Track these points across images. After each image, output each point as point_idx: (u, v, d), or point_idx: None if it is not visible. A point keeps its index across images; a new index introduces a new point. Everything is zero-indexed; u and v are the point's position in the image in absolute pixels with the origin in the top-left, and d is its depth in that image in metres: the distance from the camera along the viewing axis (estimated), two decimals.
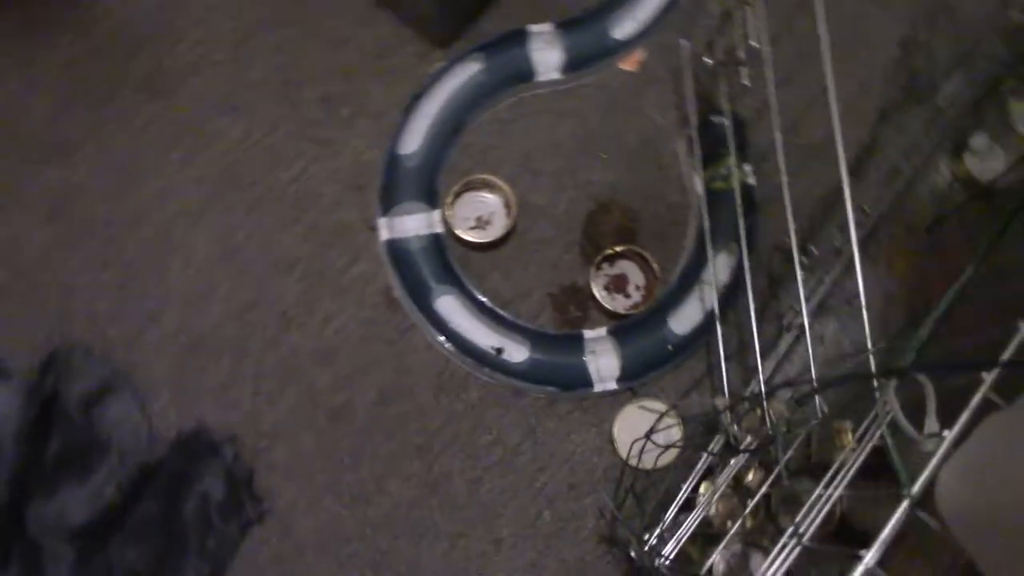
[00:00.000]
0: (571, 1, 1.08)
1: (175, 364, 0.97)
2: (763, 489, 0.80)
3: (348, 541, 0.95)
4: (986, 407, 0.57)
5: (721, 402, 0.91)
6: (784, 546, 0.68)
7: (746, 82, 0.90)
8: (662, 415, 0.94)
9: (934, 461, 0.56)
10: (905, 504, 0.58)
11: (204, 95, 1.04)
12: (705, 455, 0.90)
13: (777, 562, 0.68)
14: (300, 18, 1.07)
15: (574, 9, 1.08)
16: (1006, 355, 0.58)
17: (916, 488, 0.58)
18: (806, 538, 0.68)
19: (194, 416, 0.97)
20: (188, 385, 0.97)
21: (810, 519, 0.68)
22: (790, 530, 0.68)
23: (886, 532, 0.58)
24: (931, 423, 0.54)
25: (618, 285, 1.02)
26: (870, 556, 0.57)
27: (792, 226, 0.80)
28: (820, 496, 0.69)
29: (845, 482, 0.69)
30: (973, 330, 0.78)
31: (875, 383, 0.67)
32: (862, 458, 0.70)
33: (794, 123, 0.99)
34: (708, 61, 1.01)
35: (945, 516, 0.53)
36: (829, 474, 0.70)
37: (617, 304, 1.01)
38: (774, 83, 0.82)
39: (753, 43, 0.86)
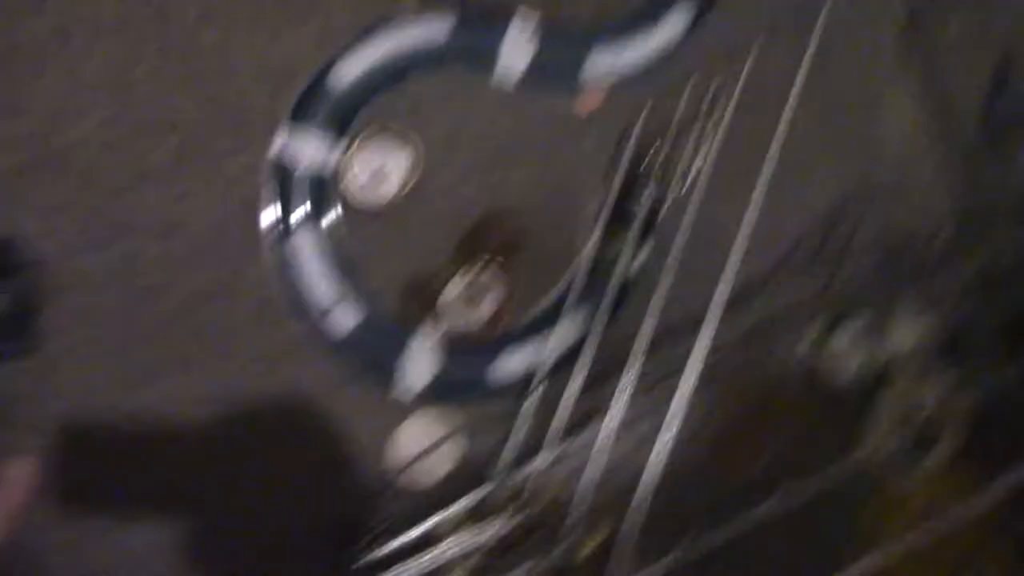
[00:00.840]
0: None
1: (15, 168, 0.91)
2: None
3: (101, 412, 0.94)
4: None
5: (503, 460, 0.91)
6: None
7: (673, 191, 0.88)
8: (442, 439, 0.94)
9: None
10: None
11: None
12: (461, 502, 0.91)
13: None
14: None
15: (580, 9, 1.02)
16: None
17: None
18: None
19: (10, 226, 0.91)
20: (18, 194, 0.91)
21: None
22: None
23: None
24: None
25: (474, 298, 1.00)
26: None
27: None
28: None
29: None
30: None
31: None
32: None
33: (696, 242, 0.97)
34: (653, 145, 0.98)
35: None
36: None
37: (461, 317, 0.99)
38: (697, 203, 0.80)
39: (698, 161, 0.84)
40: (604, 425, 0.80)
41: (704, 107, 0.86)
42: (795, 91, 0.68)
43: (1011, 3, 1.00)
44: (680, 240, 0.82)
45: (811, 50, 0.68)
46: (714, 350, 0.96)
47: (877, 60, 1.12)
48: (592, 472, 0.80)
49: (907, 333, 1.04)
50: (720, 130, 0.79)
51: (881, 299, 1.07)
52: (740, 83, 0.77)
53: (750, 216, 0.72)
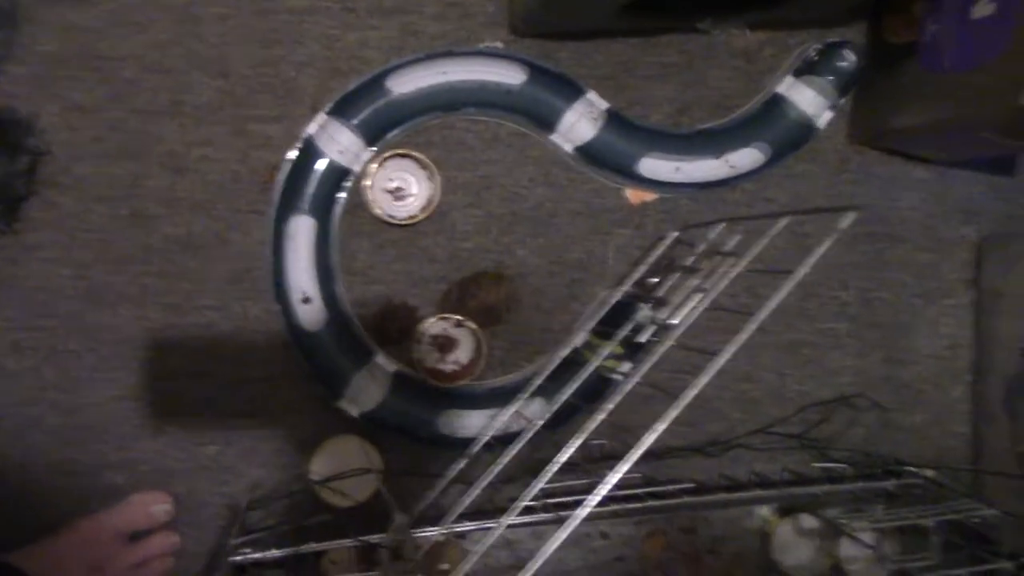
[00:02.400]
0: (668, 108, 1.02)
1: (56, 55, 0.91)
2: None
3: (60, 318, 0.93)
4: None
5: (401, 520, 0.88)
6: None
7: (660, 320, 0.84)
8: (365, 469, 0.92)
9: None
10: None
11: None
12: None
13: None
14: None
15: (652, 110, 0.99)
16: None
17: None
18: None
19: (33, 108, 0.91)
20: (54, 81, 0.92)
21: None
22: None
23: None
24: None
25: (445, 347, 0.97)
26: None
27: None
28: None
29: None
30: None
31: None
32: None
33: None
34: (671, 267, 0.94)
35: None
36: None
37: (427, 359, 0.96)
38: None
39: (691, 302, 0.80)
40: (500, 522, 0.76)
41: (721, 253, 0.82)
42: (796, 276, 0.64)
43: None
44: (639, 371, 0.78)
45: (822, 248, 0.64)
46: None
47: (934, 276, 1.07)
48: (473, 565, 0.76)
49: (859, 548, 0.98)
50: (723, 281, 0.74)
51: (849, 502, 1.02)
52: (760, 246, 0.72)
53: (701, 380, 0.68)
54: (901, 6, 0.96)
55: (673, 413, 0.65)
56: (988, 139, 0.88)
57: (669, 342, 0.70)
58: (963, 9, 0.87)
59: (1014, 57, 0.79)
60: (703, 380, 0.65)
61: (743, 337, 0.66)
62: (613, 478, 0.67)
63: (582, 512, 0.66)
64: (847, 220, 0.65)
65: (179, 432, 0.94)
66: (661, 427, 0.66)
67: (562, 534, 0.64)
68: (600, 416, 0.70)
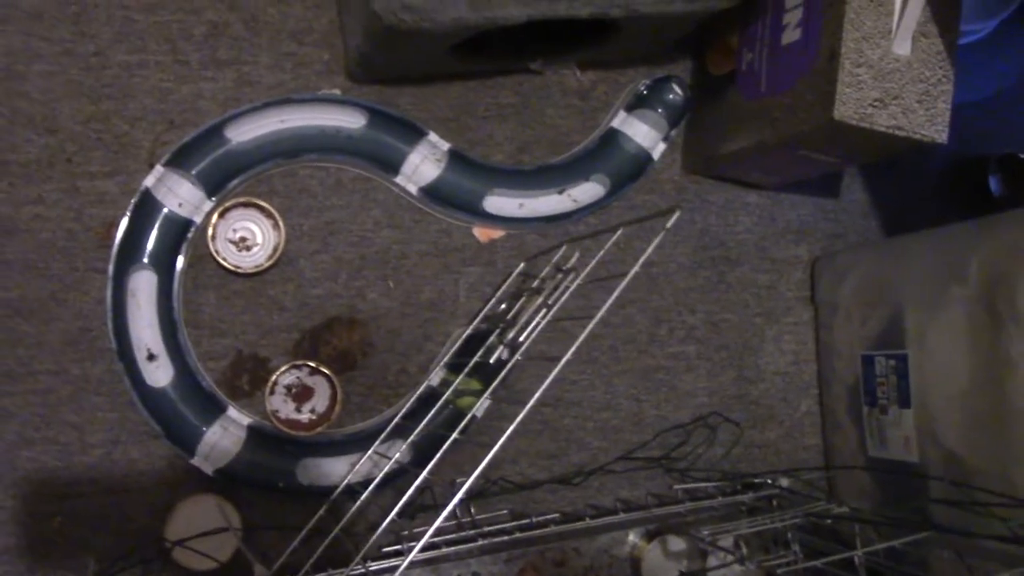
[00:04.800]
0: (511, 144, 1.04)
1: None
2: None
3: None
4: None
5: (261, 572, 0.85)
6: None
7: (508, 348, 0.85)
8: (222, 528, 0.88)
9: None
10: None
11: None
12: None
13: None
14: None
15: (493, 150, 1.01)
16: None
17: None
18: None
19: None
20: None
21: None
22: None
23: None
24: None
25: (299, 396, 0.96)
26: None
27: None
28: None
29: None
30: None
31: None
32: None
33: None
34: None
35: None
36: None
37: (281, 409, 0.94)
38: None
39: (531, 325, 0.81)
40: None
41: (558, 276, 0.84)
42: (630, 274, 0.67)
43: (902, 268, 1.00)
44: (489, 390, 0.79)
45: (652, 246, 0.66)
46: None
47: (773, 295, 1.12)
48: None
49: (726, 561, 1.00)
50: (564, 294, 0.76)
51: (716, 520, 1.04)
52: (596, 258, 0.74)
53: (549, 377, 0.69)
54: (719, 40, 1.02)
55: (520, 415, 0.65)
56: (807, 156, 0.93)
57: (516, 356, 0.71)
58: (774, 37, 0.93)
59: (822, 74, 0.85)
60: (551, 376, 0.66)
61: (585, 334, 0.68)
62: (453, 502, 0.67)
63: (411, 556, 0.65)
64: (672, 218, 0.68)
65: (16, 505, 0.89)
66: (508, 432, 0.66)
67: None
68: (445, 445, 0.70)
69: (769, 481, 1.03)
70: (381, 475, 0.89)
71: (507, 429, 0.70)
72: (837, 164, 0.99)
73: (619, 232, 0.74)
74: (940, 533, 0.80)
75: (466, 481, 0.75)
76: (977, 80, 1.19)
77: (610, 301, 0.66)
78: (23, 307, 0.90)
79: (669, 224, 0.68)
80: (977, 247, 0.88)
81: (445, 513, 0.68)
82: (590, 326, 0.66)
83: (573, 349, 0.67)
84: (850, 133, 0.85)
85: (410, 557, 0.66)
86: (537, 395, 0.67)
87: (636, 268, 0.67)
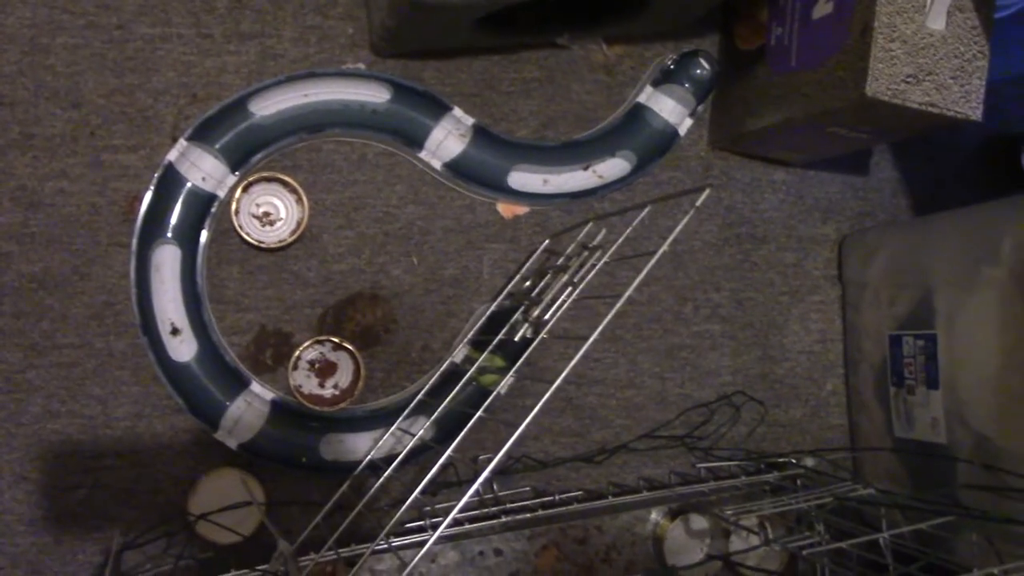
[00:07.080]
0: (538, 122, 1.03)
1: None
2: None
3: None
4: None
5: (284, 547, 0.85)
6: None
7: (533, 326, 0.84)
8: (244, 503, 0.88)
9: None
10: None
11: None
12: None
13: None
14: None
15: (518, 125, 1.00)
16: None
17: None
18: None
19: None
20: None
21: None
22: None
23: None
24: None
25: (323, 372, 0.95)
26: None
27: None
28: None
29: None
30: None
31: None
32: None
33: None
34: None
35: None
36: None
37: (304, 384, 0.94)
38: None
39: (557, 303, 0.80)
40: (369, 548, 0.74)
41: (584, 254, 0.83)
42: (659, 252, 0.66)
43: (932, 248, 0.98)
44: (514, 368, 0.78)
45: (682, 224, 0.65)
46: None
47: (800, 274, 1.11)
48: None
49: (749, 541, 1.00)
50: (590, 273, 0.75)
51: (739, 499, 1.03)
52: (624, 235, 0.73)
53: (577, 355, 0.69)
54: (748, 14, 1.00)
55: (547, 395, 0.64)
56: (836, 133, 0.92)
57: (541, 334, 0.71)
58: (805, 11, 0.91)
59: (854, 50, 0.83)
60: (579, 355, 0.66)
61: (612, 313, 0.67)
62: (479, 480, 0.66)
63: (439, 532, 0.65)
64: (702, 196, 0.67)
65: (42, 478, 0.89)
66: (534, 412, 0.65)
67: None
68: (469, 423, 0.69)
69: (794, 461, 1.02)
70: (405, 451, 0.87)
71: (529, 406, 0.69)
72: (867, 141, 0.98)
73: (647, 209, 0.73)
74: (968, 517, 0.79)
75: (491, 459, 0.75)
76: (1013, 56, 1.16)
77: (637, 281, 0.65)
78: (47, 281, 0.90)
79: (699, 202, 0.66)
80: (1009, 227, 0.87)
81: (471, 492, 0.67)
82: (617, 305, 0.66)
83: (600, 329, 0.66)
84: (882, 110, 0.83)
85: (436, 534, 0.65)
86: (563, 374, 0.66)
87: (664, 247, 0.66)
